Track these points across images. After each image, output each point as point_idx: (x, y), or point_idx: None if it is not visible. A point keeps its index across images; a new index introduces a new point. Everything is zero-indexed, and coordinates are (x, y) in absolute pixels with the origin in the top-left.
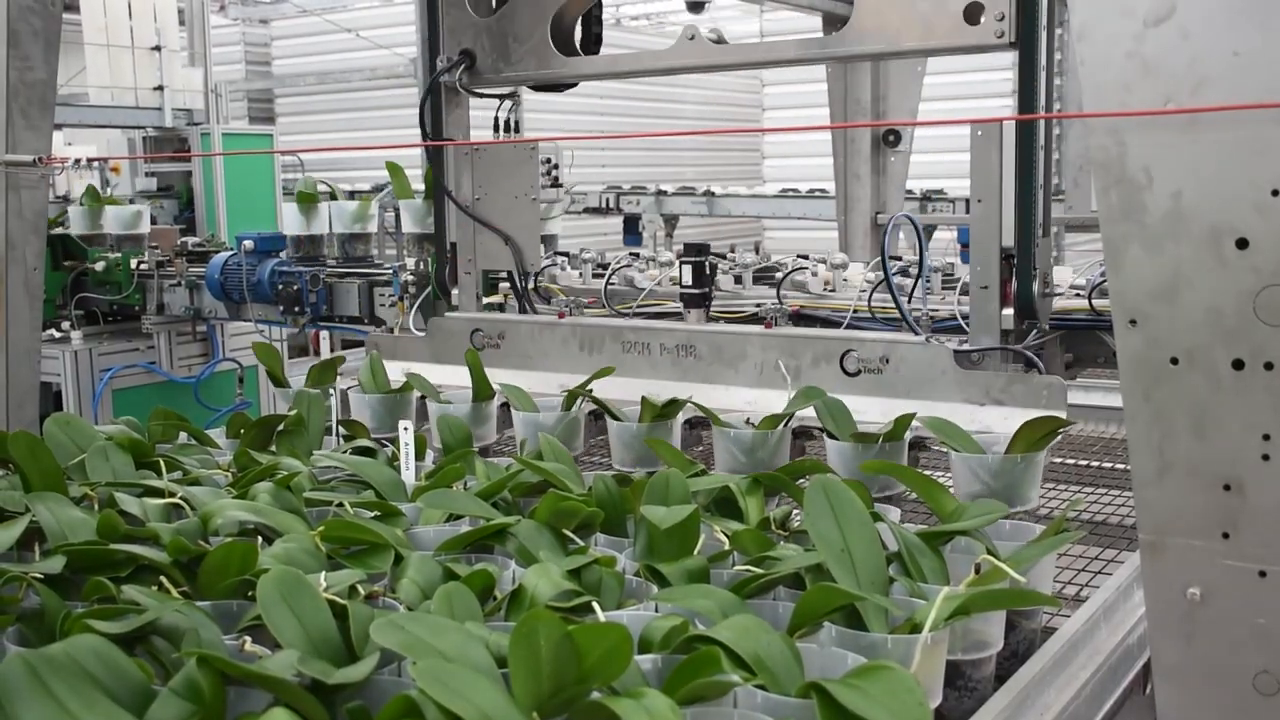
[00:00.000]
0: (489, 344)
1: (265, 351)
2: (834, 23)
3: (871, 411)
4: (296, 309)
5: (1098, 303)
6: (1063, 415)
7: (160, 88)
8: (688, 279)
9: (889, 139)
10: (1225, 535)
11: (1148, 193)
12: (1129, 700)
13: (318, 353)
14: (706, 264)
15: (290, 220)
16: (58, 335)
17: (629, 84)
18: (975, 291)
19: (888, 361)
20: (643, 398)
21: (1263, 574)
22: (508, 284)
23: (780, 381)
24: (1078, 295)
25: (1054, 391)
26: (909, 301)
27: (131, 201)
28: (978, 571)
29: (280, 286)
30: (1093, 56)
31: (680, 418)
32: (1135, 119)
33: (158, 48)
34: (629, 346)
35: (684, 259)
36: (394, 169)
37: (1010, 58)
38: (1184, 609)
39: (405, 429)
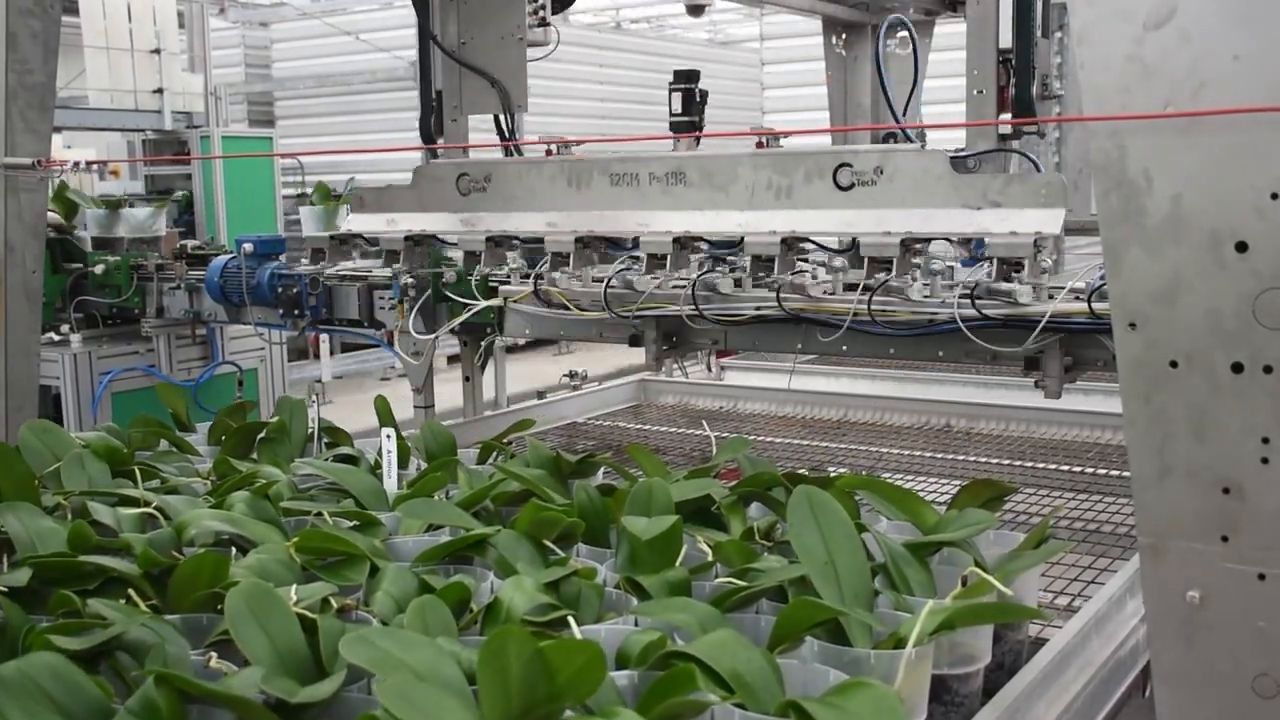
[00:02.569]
0: (475, 188)
1: (169, 393)
2: (834, 26)
3: (865, 224)
4: (296, 312)
5: (1097, 306)
6: (1061, 212)
7: (160, 90)
8: (676, 106)
9: (889, 142)
10: (1224, 538)
11: (1147, 196)
12: (1128, 703)
13: (317, 356)
14: (696, 91)
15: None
16: (57, 338)
17: (629, 86)
18: (971, 97)
19: (882, 172)
20: (557, 453)
21: (1262, 577)
22: (507, 287)
23: (770, 202)
24: (1077, 298)
25: (1053, 189)
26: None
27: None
28: (964, 584)
29: (280, 289)
30: (1093, 59)
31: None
32: (1135, 122)
33: (157, 50)
34: (618, 179)
35: (673, 86)
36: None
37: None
38: (1183, 612)
39: (388, 436)
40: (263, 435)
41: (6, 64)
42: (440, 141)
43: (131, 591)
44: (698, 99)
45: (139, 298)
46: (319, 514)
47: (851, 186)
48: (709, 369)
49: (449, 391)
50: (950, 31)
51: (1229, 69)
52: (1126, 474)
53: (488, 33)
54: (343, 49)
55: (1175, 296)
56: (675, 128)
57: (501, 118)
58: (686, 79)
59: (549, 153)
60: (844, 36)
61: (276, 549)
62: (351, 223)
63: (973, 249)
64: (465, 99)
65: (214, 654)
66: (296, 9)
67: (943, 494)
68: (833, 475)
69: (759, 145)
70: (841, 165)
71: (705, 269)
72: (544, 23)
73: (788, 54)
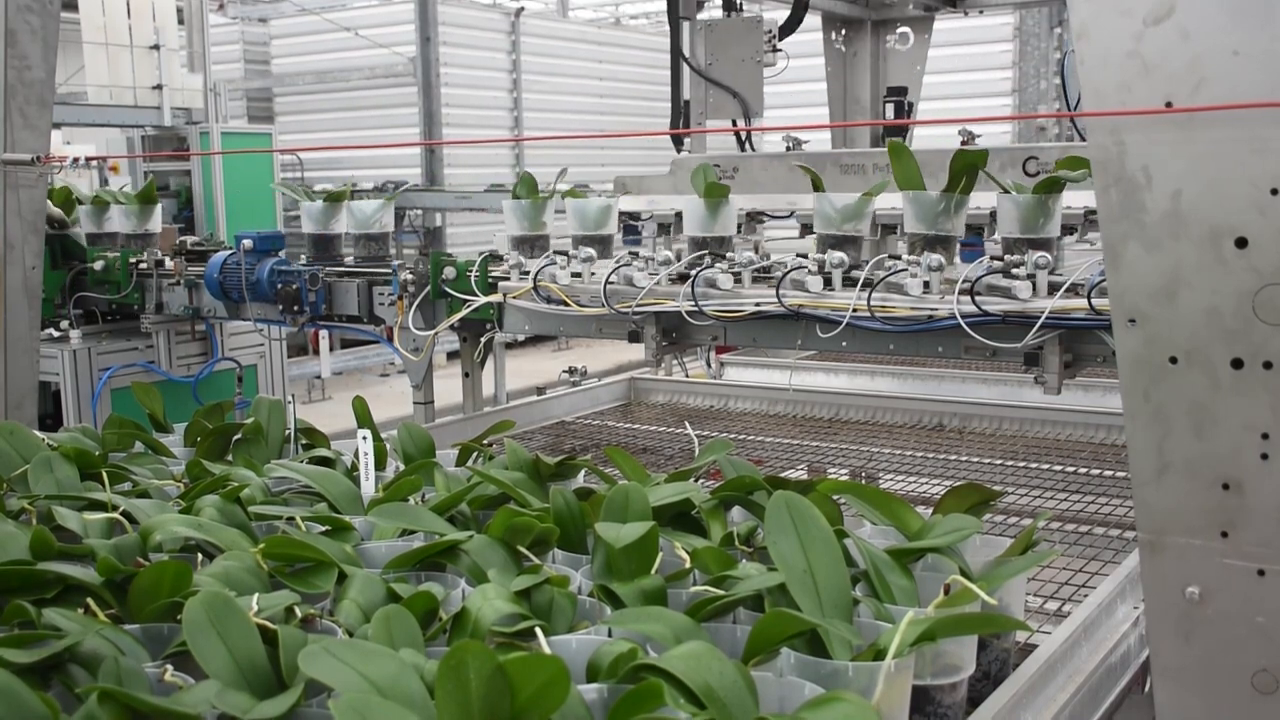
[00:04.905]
0: (725, 177)
1: (145, 392)
2: (833, 22)
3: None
4: (296, 308)
5: (1097, 302)
6: None
7: (159, 87)
8: (890, 113)
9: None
10: (1224, 534)
11: (1147, 192)
12: (1127, 700)
13: (316, 352)
14: (905, 103)
15: (693, 218)
16: (56, 335)
17: (627, 82)
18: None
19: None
20: (536, 456)
21: (1261, 573)
22: (507, 283)
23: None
24: (1076, 294)
25: None
26: None
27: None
28: (947, 592)
29: (279, 285)
30: (1092, 56)
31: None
32: (1134, 118)
33: (156, 47)
34: (846, 169)
35: (887, 99)
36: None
37: (1010, 57)
38: (1183, 608)
39: (364, 438)
40: (238, 436)
41: (6, 60)
42: (687, 142)
43: (90, 601)
44: (906, 109)
45: (138, 294)
46: (290, 519)
47: (1037, 174)
48: (708, 365)
49: (449, 388)
50: (950, 27)
51: (1229, 65)
52: (1120, 474)
53: (729, 55)
54: (342, 45)
55: (1175, 293)
56: (889, 131)
57: (739, 122)
58: (898, 94)
59: (788, 148)
60: (843, 32)
61: (244, 556)
62: (622, 203)
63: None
64: (709, 107)
65: (169, 667)
66: (295, 5)
67: (935, 494)
68: (815, 479)
69: (964, 143)
70: (1029, 158)
71: (704, 265)
72: (775, 49)
73: (787, 49)
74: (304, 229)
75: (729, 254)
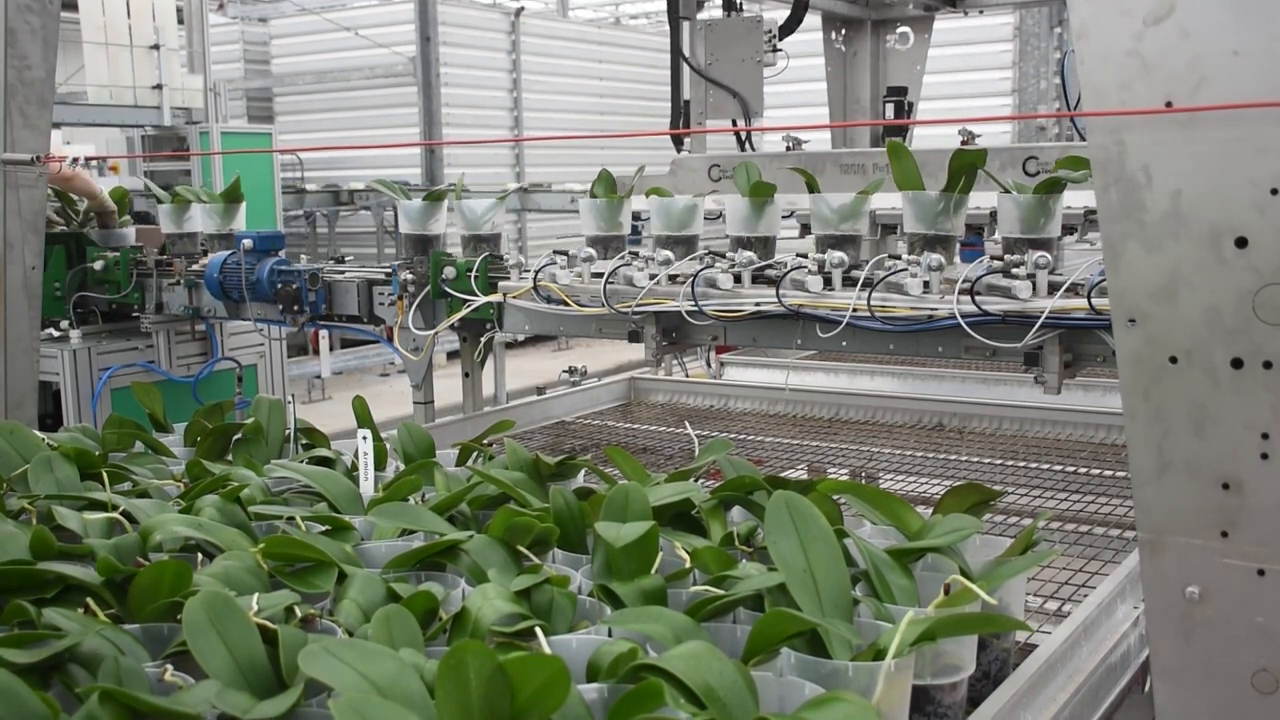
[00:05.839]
0: (724, 176)
1: (145, 392)
2: (833, 21)
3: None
4: (296, 308)
5: (1097, 301)
6: None
7: (159, 86)
8: (890, 113)
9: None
10: (1224, 534)
11: (1147, 192)
12: (1127, 700)
13: (316, 352)
14: (905, 102)
15: (737, 218)
16: (56, 334)
17: (627, 82)
18: None
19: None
20: (536, 456)
21: (1261, 572)
22: (506, 283)
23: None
24: (1076, 294)
25: None
26: None
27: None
28: (947, 592)
29: (279, 285)
30: (1092, 55)
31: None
32: (1134, 118)
33: (156, 46)
34: (846, 169)
35: (887, 99)
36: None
37: (1010, 57)
38: (1183, 608)
39: (364, 438)
40: (238, 436)
41: (6, 60)
42: (687, 142)
43: (90, 601)
44: (906, 109)
45: (138, 294)
46: (290, 519)
47: (1037, 174)
48: (708, 365)
49: (449, 387)
50: (950, 26)
51: (1229, 64)
52: (1120, 474)
53: (730, 55)
54: (341, 45)
55: (1175, 292)
56: (889, 131)
57: (739, 122)
58: (898, 94)
59: (788, 148)
60: (843, 32)
61: (243, 555)
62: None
63: None
64: (709, 107)
65: (169, 666)
66: (295, 4)
67: (935, 494)
68: (815, 479)
69: (964, 143)
70: (1029, 158)
71: (705, 264)
72: (775, 49)
73: (787, 49)
74: (400, 229)
75: (729, 254)
